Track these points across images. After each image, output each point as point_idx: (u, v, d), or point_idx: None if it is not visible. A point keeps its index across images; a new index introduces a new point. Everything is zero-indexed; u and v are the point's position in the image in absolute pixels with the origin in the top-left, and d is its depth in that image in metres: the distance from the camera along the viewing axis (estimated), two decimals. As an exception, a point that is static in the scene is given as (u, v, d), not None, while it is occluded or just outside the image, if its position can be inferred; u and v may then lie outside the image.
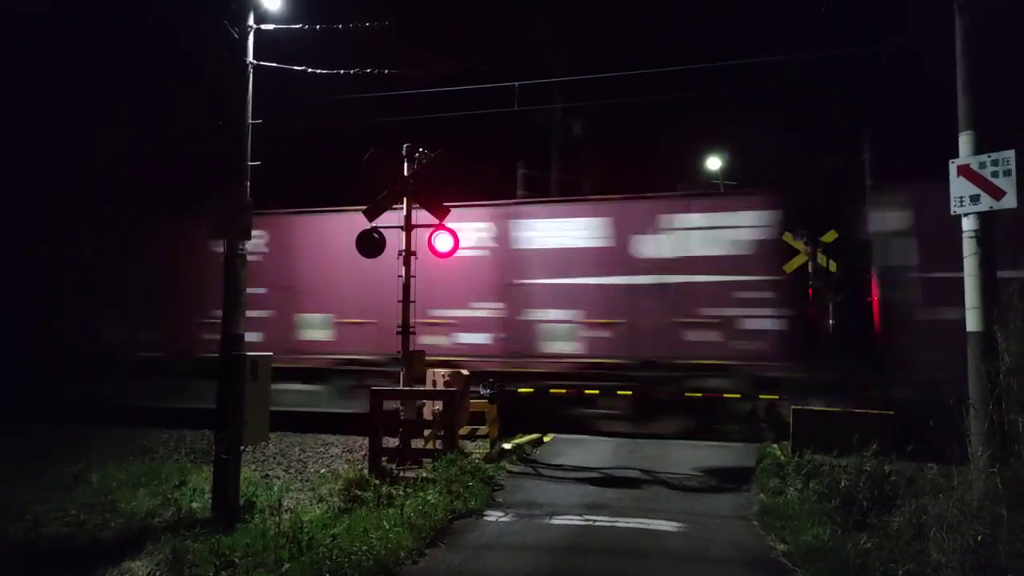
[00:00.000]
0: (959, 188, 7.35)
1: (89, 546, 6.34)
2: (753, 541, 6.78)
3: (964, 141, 7.47)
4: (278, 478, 9.36)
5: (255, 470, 9.66)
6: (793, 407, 10.04)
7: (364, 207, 10.51)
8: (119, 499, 7.73)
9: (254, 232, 7.82)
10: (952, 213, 7.46)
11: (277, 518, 6.62)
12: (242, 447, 7.33)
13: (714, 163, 25.56)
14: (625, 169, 23.69)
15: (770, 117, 22.50)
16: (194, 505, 7.41)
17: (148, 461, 10.11)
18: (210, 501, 7.31)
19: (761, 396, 11.77)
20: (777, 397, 11.61)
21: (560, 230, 12.92)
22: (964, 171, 7.33)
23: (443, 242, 10.42)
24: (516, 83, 12.86)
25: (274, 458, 10.80)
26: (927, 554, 5.42)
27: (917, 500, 6.44)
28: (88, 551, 6.15)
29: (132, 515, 7.18)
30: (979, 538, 5.09)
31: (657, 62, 12.74)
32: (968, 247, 7.43)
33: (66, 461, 9.46)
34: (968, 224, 7.41)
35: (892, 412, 9.36)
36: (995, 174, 7.11)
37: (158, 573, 5.54)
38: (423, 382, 10.51)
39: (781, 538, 6.62)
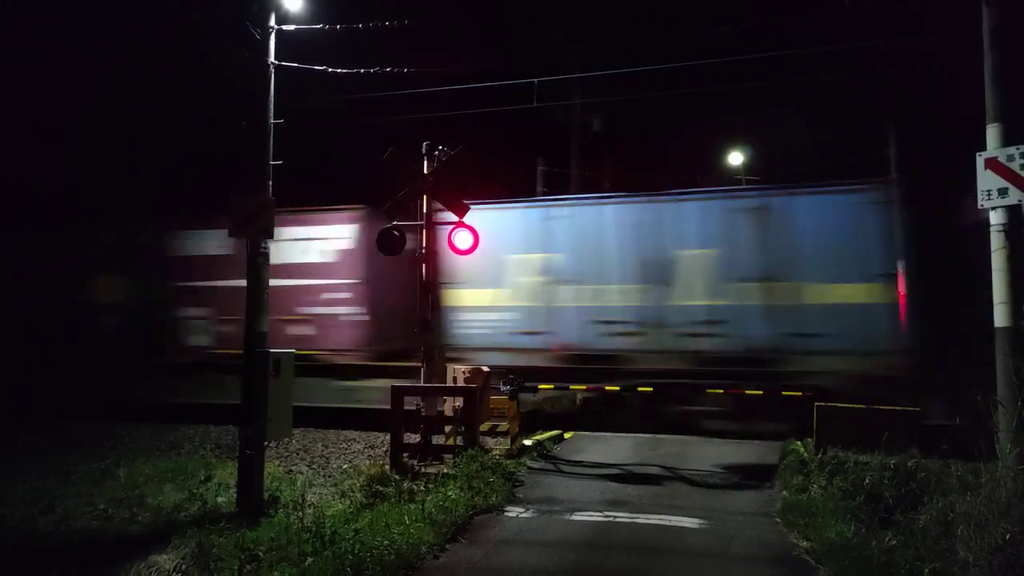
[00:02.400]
0: (986, 181, 7.23)
1: (117, 540, 6.47)
2: (776, 538, 6.73)
3: (991, 134, 7.35)
4: (301, 473, 9.46)
5: (279, 465, 9.77)
6: (816, 403, 9.93)
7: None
8: (146, 494, 7.88)
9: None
10: (979, 207, 7.35)
11: (300, 513, 6.69)
12: (266, 443, 7.42)
13: (736, 158, 25.33)
14: (646, 164, 23.62)
15: (794, 111, 22.30)
16: (219, 500, 7.51)
17: (174, 456, 10.28)
18: (235, 496, 7.40)
19: None
20: None
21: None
22: (992, 164, 7.21)
23: (463, 239, 10.45)
24: (535, 79, 12.85)
25: (297, 454, 10.91)
26: (954, 552, 5.34)
27: (944, 497, 6.35)
28: (116, 544, 6.27)
29: (159, 509, 7.30)
30: (1007, 536, 5.01)
31: (677, 57, 12.67)
32: (996, 241, 7.31)
33: (95, 456, 9.65)
34: (996, 218, 7.29)
35: (917, 408, 9.23)
36: (1024, 167, 6.99)
37: (184, 566, 5.62)
38: (443, 378, 10.57)
39: (804, 535, 6.56)
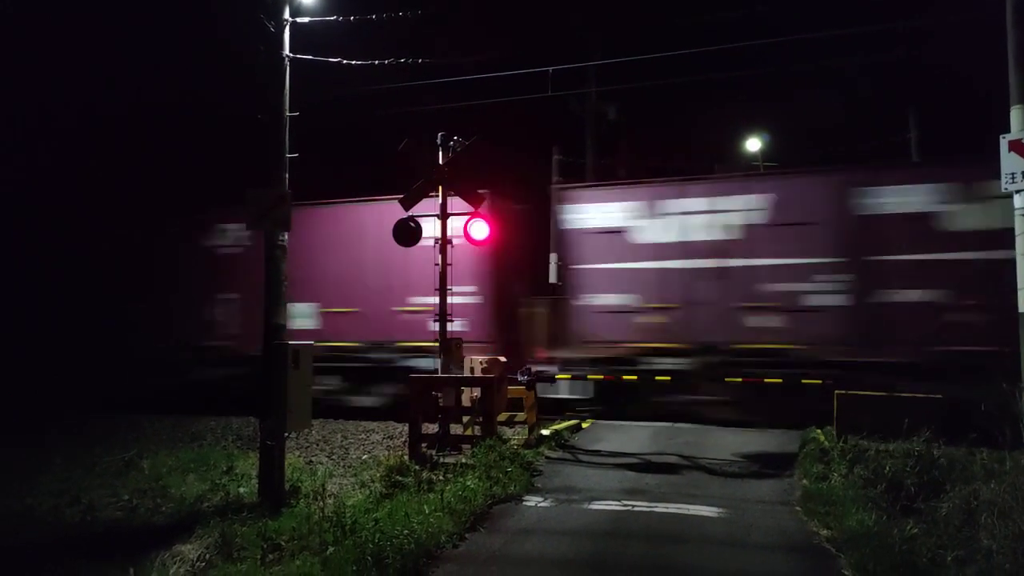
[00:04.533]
0: (1010, 164, 7.12)
1: (141, 530, 6.57)
2: (796, 527, 6.70)
3: (1016, 116, 7.23)
4: (321, 464, 9.55)
5: (299, 456, 9.87)
6: (836, 391, 9.86)
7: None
8: (169, 485, 7.99)
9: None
10: (1003, 190, 7.23)
11: (321, 503, 6.76)
12: (286, 434, 7.48)
13: (753, 144, 25.05)
14: (661, 152, 23.46)
15: (811, 96, 22.04)
16: (241, 490, 7.60)
17: (196, 448, 10.40)
18: (256, 486, 7.49)
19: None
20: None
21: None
22: (1016, 146, 7.10)
23: (479, 230, 10.45)
24: (550, 68, 12.78)
25: (317, 444, 11.01)
26: (977, 540, 5.30)
27: (967, 485, 6.30)
28: (141, 534, 6.36)
29: (182, 500, 7.40)
30: (1032, 524, 4.96)
31: (691, 42, 12.56)
32: (1020, 225, 7.20)
33: (119, 448, 9.81)
34: (1020, 201, 7.18)
35: (939, 396, 9.13)
36: (1050, 149, 6.87)
37: (208, 556, 5.70)
38: (461, 369, 10.60)
39: (824, 524, 6.52)
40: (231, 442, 11.11)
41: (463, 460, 8.94)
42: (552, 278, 13.36)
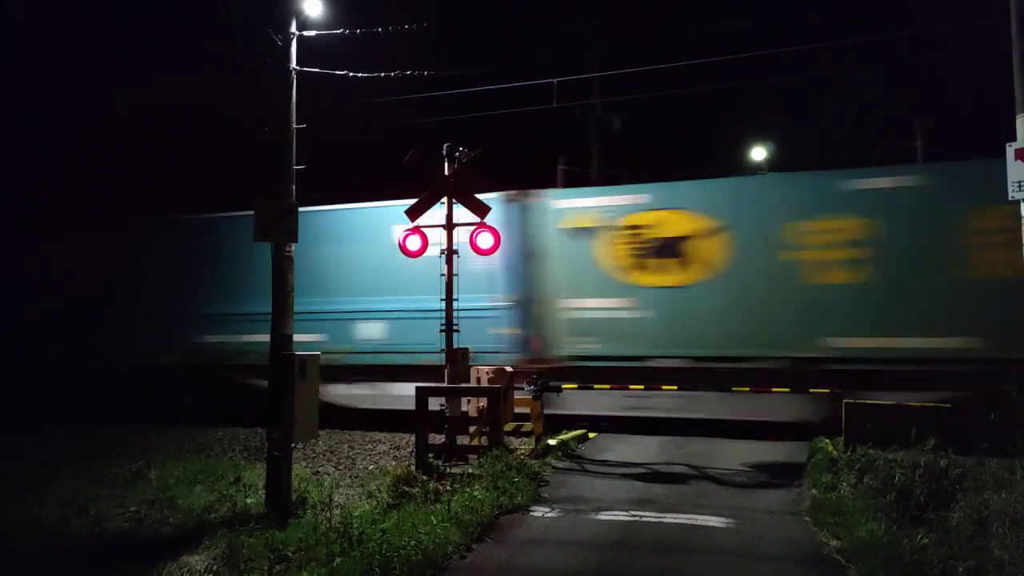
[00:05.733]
0: (1017, 172, 7.11)
1: (149, 541, 6.57)
2: (805, 537, 6.65)
3: (1022, 124, 7.21)
4: (328, 474, 9.54)
5: (306, 466, 9.87)
6: (845, 400, 9.81)
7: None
8: (176, 495, 7.99)
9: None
10: (1009, 199, 7.22)
11: (328, 513, 6.75)
12: (293, 444, 7.49)
13: (759, 153, 25.04)
14: (666, 161, 23.51)
15: (816, 104, 22.06)
16: (248, 501, 7.60)
17: (204, 458, 10.41)
18: (263, 497, 7.49)
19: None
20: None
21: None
22: (1023, 155, 7.08)
23: (484, 240, 10.46)
24: (555, 80, 12.85)
25: (324, 455, 11.00)
26: (988, 550, 5.26)
27: (978, 495, 6.26)
28: (148, 545, 6.37)
29: (189, 511, 7.40)
30: (1044, 534, 4.92)
31: (699, 53, 12.61)
32: (1028, 233, 7.17)
33: (126, 459, 9.83)
34: (1027, 209, 7.16)
35: (948, 405, 9.07)
36: (1056, 157, 6.85)
37: (215, 567, 5.69)
38: (467, 379, 10.59)
39: (834, 534, 6.48)
40: (238, 452, 11.12)
41: (470, 470, 8.92)
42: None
